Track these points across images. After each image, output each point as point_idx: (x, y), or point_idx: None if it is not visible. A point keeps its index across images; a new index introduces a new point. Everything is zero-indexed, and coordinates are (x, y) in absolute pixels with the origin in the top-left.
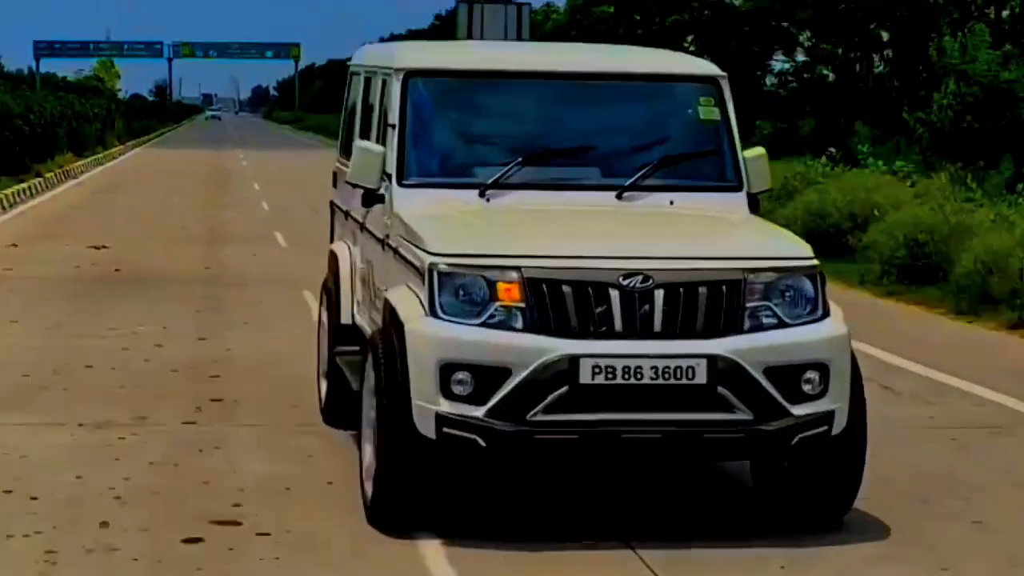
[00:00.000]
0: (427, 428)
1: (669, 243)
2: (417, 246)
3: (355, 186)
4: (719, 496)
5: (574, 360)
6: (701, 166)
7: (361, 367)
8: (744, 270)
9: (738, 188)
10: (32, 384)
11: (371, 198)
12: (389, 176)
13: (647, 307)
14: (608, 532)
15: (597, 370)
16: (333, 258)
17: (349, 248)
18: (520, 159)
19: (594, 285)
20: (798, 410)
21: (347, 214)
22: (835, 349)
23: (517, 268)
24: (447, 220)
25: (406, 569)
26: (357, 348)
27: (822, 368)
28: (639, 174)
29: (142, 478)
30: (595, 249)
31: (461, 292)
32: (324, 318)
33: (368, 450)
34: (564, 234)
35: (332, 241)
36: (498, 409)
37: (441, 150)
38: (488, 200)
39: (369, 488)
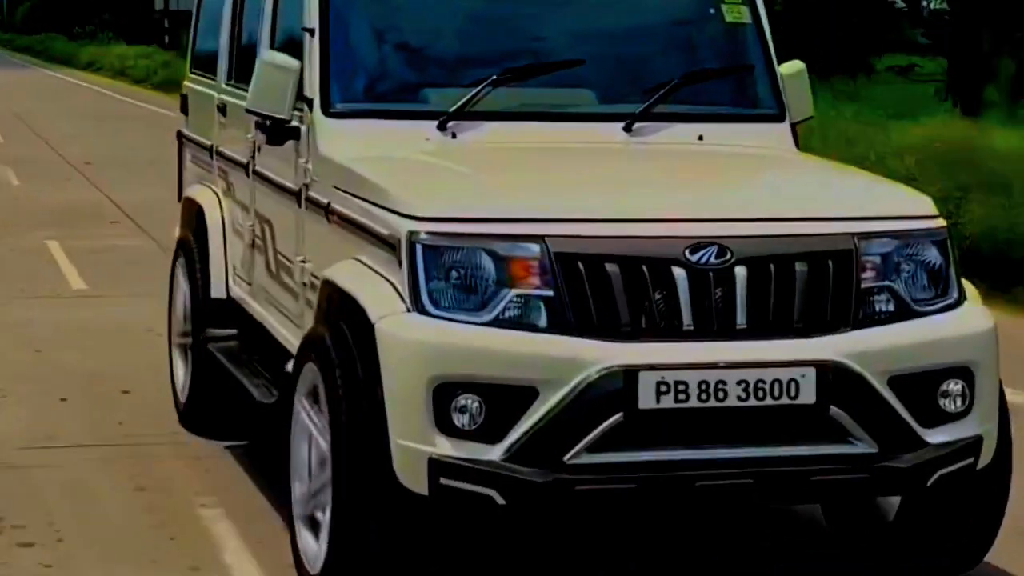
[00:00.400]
0: (416, 480)
1: (746, 197)
2: (378, 204)
3: (259, 115)
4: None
5: (631, 374)
6: (731, 87)
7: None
8: (855, 235)
9: (779, 117)
10: None
11: (280, 132)
12: (308, 102)
13: (725, 292)
14: None
15: (663, 388)
16: (192, 209)
17: (219, 197)
18: (493, 77)
19: (650, 262)
20: (935, 436)
21: (214, 151)
22: (981, 347)
23: (539, 238)
24: (416, 165)
25: None
26: (235, 332)
27: (966, 375)
28: (653, 99)
29: None
30: (645, 207)
31: (457, 275)
32: (183, 289)
33: (304, 515)
34: (596, 186)
35: (181, 185)
36: (522, 449)
37: (380, 65)
38: (454, 136)
39: (316, 568)
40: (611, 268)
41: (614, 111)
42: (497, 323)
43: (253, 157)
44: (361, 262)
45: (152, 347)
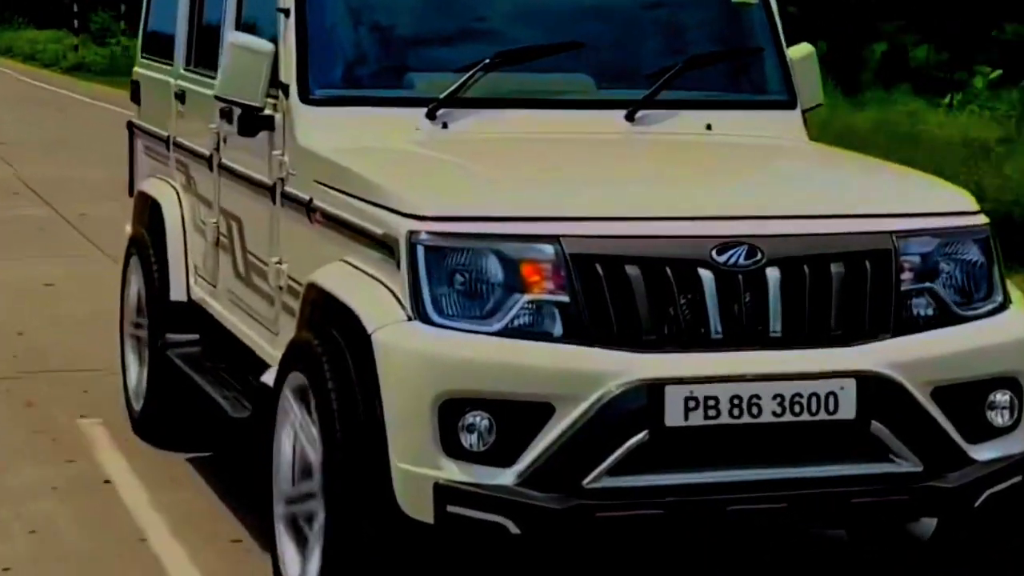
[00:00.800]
0: (420, 507)
1: (776, 192)
2: (371, 201)
3: (228, 103)
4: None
5: (656, 389)
6: (739, 72)
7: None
8: (893, 233)
9: (791, 104)
10: None
11: (252, 121)
12: (284, 88)
13: (756, 296)
14: None
15: (692, 404)
16: (146, 204)
17: (178, 192)
18: (485, 61)
19: (674, 263)
20: (982, 452)
21: (171, 142)
22: None
23: (554, 238)
24: (410, 158)
25: None
26: (197, 337)
27: (1013, 385)
28: (656, 84)
29: None
30: (668, 204)
31: (462, 279)
32: (135, 291)
33: (291, 551)
34: (612, 180)
35: (132, 179)
36: (537, 472)
37: (362, 48)
38: (445, 125)
39: None
40: (632, 271)
41: (616, 98)
42: (508, 332)
43: (217, 148)
44: (351, 264)
45: (48, 298)
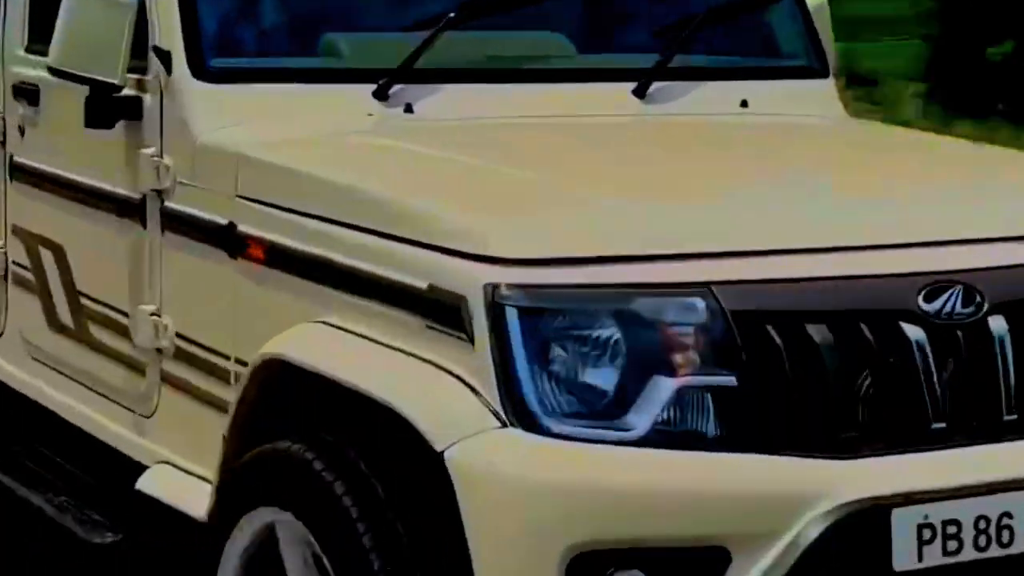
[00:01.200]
0: None
1: (975, 206)
2: (393, 235)
3: (72, 78)
4: None
5: (879, 515)
6: (761, 32)
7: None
8: None
9: (822, 71)
10: None
11: (104, 106)
12: (162, 56)
13: (981, 361)
14: None
15: (927, 534)
16: None
17: None
18: (449, 15)
19: (871, 318)
20: None
21: None
22: None
23: (703, 286)
24: (410, 160)
25: None
26: None
27: None
28: (673, 46)
29: None
30: (863, 229)
31: (572, 357)
32: None
33: None
34: (751, 194)
35: None
36: None
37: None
38: (409, 108)
39: None
40: (817, 332)
41: (622, 66)
42: (654, 439)
43: (3, 143)
44: (345, 331)
45: None
